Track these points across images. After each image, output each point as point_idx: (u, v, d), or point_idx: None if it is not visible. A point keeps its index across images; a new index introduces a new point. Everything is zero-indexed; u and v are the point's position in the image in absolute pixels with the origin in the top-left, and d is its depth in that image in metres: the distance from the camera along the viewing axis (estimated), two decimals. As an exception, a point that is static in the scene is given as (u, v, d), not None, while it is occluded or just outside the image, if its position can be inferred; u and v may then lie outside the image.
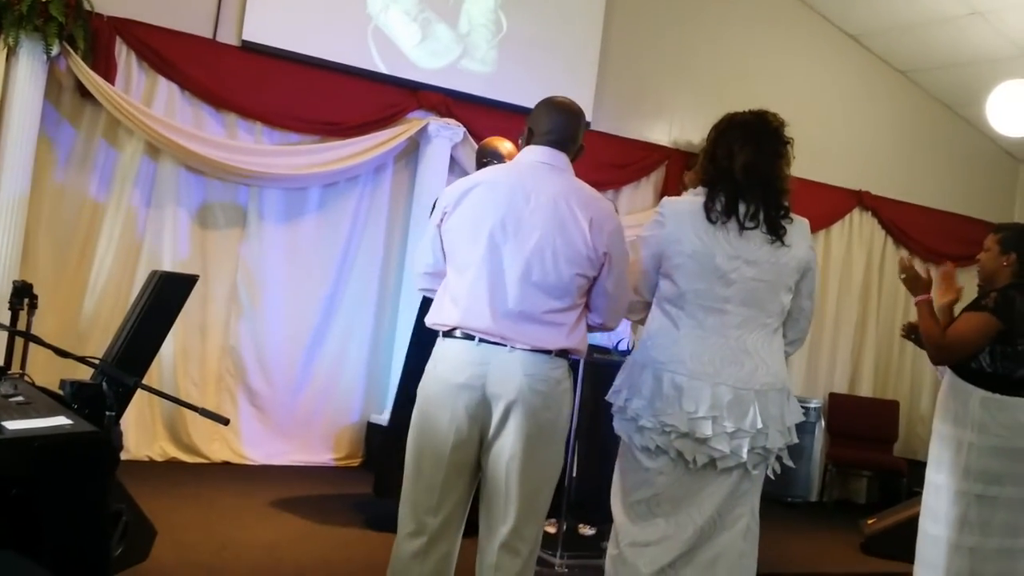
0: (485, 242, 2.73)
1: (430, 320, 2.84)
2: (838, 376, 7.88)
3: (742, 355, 2.81)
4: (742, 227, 2.81)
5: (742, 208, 2.81)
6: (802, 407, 7.19)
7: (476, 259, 2.74)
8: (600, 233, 2.74)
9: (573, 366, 2.98)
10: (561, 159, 2.84)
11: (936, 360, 3.84)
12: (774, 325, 2.89)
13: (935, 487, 3.79)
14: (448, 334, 2.78)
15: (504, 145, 4.53)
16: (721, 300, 2.80)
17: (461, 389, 2.72)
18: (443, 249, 2.84)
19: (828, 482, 7.52)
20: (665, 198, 3.03)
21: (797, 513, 6.97)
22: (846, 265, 7.95)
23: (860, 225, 8.03)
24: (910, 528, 4.64)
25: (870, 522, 5.90)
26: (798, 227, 2.91)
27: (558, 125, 2.86)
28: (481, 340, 2.71)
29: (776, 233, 2.83)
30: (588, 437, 4.63)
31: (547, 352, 2.73)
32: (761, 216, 2.83)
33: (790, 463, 2.95)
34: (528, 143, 2.89)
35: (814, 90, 7.70)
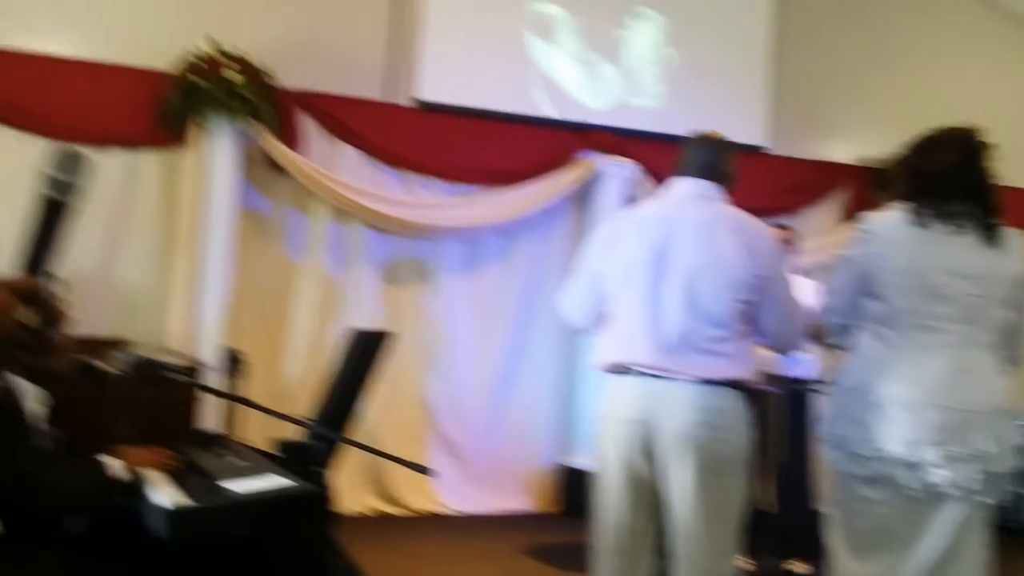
0: (640, 277, 2.73)
1: (596, 361, 2.87)
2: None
3: (962, 375, 2.64)
4: (953, 229, 2.66)
5: (951, 209, 2.68)
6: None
7: (633, 295, 2.75)
8: (756, 256, 2.69)
9: (754, 395, 2.87)
10: (710, 188, 2.83)
11: None
12: (991, 341, 2.71)
13: None
14: (614, 372, 2.79)
15: None
16: (936, 318, 2.65)
17: (630, 425, 2.71)
18: (593, 291, 2.88)
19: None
20: (867, 214, 2.91)
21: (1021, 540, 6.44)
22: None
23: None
24: None
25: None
26: (1010, 237, 2.74)
27: (703, 156, 2.87)
28: (645, 375, 2.70)
29: (989, 235, 2.67)
30: (792, 468, 4.45)
31: (714, 383, 2.67)
32: (973, 216, 2.68)
33: (1021, 488, 2.73)
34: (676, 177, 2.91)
35: (1009, 93, 7.22)
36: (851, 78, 6.98)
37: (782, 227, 5.19)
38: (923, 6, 7.22)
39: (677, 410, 2.66)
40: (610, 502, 2.79)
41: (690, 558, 2.70)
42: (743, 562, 4.57)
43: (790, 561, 4.60)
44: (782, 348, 2.87)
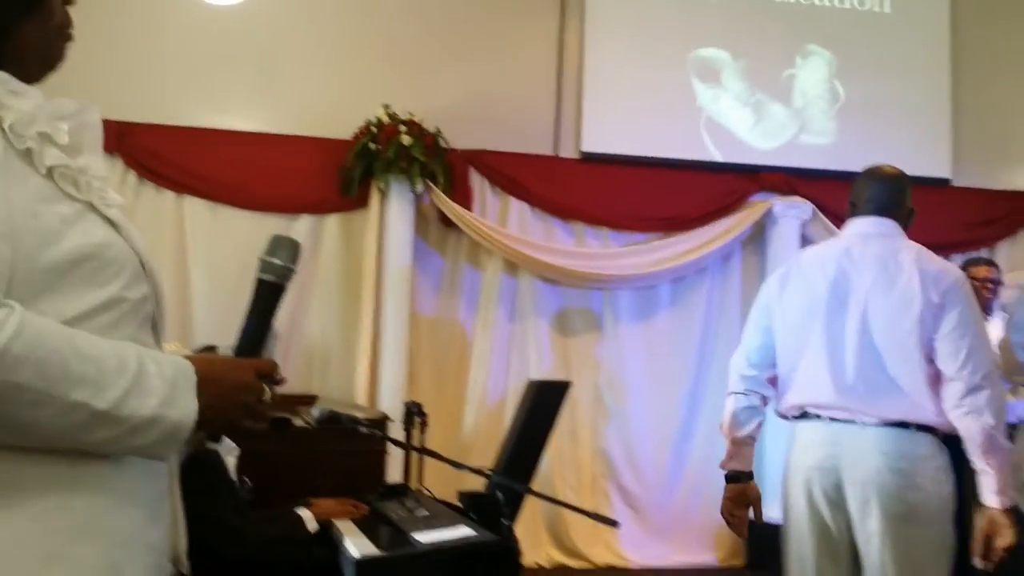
0: (818, 317, 2.62)
1: (778, 409, 2.75)
2: None
3: None
4: None
5: None
6: None
7: (811, 336, 2.63)
8: (934, 284, 2.53)
9: (956, 440, 2.63)
10: (888, 225, 2.69)
11: None
12: None
13: None
14: (797, 417, 2.68)
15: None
16: None
17: (814, 472, 2.59)
18: (765, 343, 2.76)
19: None
20: None
21: None
22: None
23: None
24: None
25: None
26: None
27: (878, 192, 2.73)
28: (828, 419, 2.57)
29: None
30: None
31: (904, 426, 2.50)
32: None
33: None
34: (851, 215, 2.78)
35: None
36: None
37: (987, 263, 4.89)
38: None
39: (861, 455, 2.52)
40: (800, 554, 2.66)
41: None
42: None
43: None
44: (969, 389, 2.50)
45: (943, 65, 6.49)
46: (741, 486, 2.83)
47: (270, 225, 5.50)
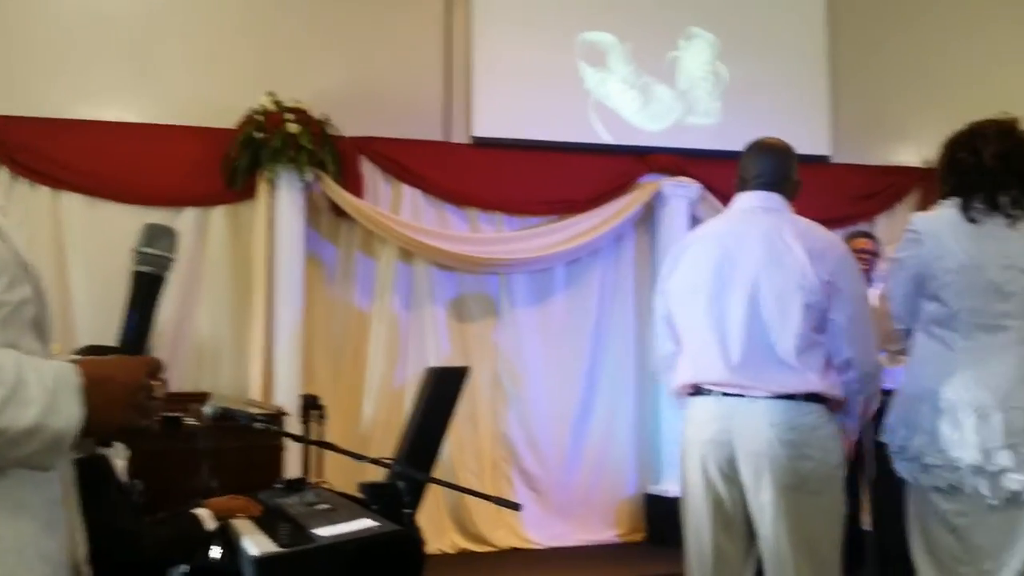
0: (706, 294, 2.67)
1: (673, 385, 2.80)
2: None
3: None
4: (1009, 219, 2.56)
5: (1004, 199, 2.57)
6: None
7: (700, 313, 2.68)
8: (821, 261, 2.59)
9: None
10: (774, 200, 2.75)
11: None
12: None
13: None
14: (690, 394, 2.72)
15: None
16: (1000, 316, 2.55)
17: (709, 446, 2.64)
18: (670, 321, 2.81)
19: None
20: (915, 215, 2.81)
21: None
22: None
23: None
24: None
25: None
26: None
27: (765, 167, 2.79)
28: (720, 394, 2.63)
29: None
30: (881, 484, 4.32)
31: (792, 397, 2.57)
32: None
33: None
34: (740, 190, 2.83)
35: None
36: (912, 79, 6.86)
37: (866, 235, 5.08)
38: (978, 3, 7.08)
39: (753, 428, 2.57)
40: (697, 528, 2.70)
41: None
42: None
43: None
44: (855, 362, 2.62)
45: (821, 45, 6.69)
46: None
47: (153, 220, 5.28)
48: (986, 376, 2.54)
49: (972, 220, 2.59)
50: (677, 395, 2.84)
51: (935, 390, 2.60)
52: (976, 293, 2.57)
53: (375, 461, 2.81)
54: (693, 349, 2.73)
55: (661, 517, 5.97)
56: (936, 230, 2.64)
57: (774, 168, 2.79)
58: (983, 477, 2.51)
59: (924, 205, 6.57)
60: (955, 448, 2.53)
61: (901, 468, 2.70)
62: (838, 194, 6.33)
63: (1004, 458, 2.48)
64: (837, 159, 6.49)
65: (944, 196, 2.71)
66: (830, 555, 2.63)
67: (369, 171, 5.92)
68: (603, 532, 6.13)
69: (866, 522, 4.47)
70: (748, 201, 2.79)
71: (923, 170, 6.66)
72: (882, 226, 6.60)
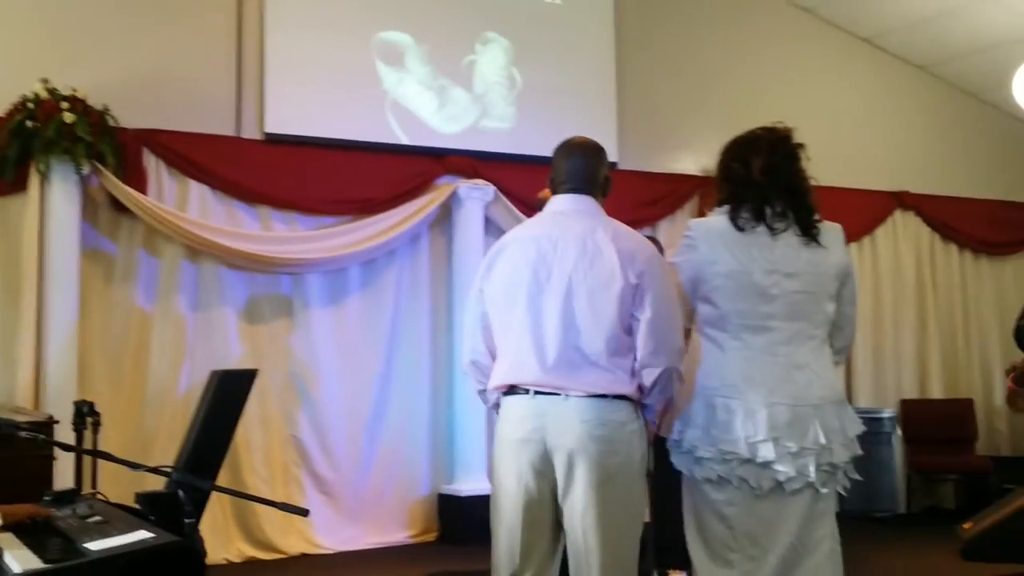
0: (523, 296, 2.71)
1: (489, 385, 2.82)
2: (906, 382, 7.69)
3: (794, 371, 2.72)
4: (772, 230, 2.73)
5: (769, 211, 2.74)
6: (875, 418, 7.07)
7: (518, 315, 2.72)
8: (631, 263, 2.68)
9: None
10: (585, 203, 2.81)
11: None
12: (821, 336, 2.80)
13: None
14: (506, 393, 2.75)
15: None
16: (765, 317, 2.72)
17: (522, 444, 2.68)
18: (485, 322, 2.82)
19: (913, 491, 7.31)
20: (692, 220, 2.97)
21: (886, 527, 6.76)
22: (896, 267, 7.81)
23: (904, 225, 7.91)
24: (1013, 525, 4.47)
25: (967, 526, 5.66)
26: (832, 232, 2.83)
27: (574, 169, 2.85)
28: (535, 393, 2.67)
29: (808, 233, 2.75)
30: (661, 476, 4.52)
31: (603, 396, 2.65)
32: (791, 217, 2.75)
33: (857, 476, 2.83)
34: (553, 192, 2.88)
35: (836, 98, 7.66)
36: (693, 92, 7.23)
37: (650, 240, 5.32)
38: (751, 17, 7.54)
39: (565, 425, 2.63)
40: (509, 525, 2.71)
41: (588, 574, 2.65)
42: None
43: (666, 570, 4.67)
44: (657, 362, 2.69)
45: (609, 55, 6.94)
46: None
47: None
48: (752, 373, 2.70)
49: (740, 229, 2.75)
50: (488, 395, 2.85)
51: (708, 386, 2.74)
52: (744, 296, 2.72)
53: (153, 470, 2.69)
54: (509, 350, 2.75)
55: (454, 516, 6.03)
56: (709, 236, 2.78)
57: (583, 170, 2.84)
58: (750, 468, 2.67)
59: (702, 211, 6.96)
60: (724, 442, 2.68)
61: (677, 461, 2.83)
62: (624, 200, 6.57)
63: (767, 451, 2.65)
64: (623, 166, 6.75)
65: (719, 203, 2.85)
66: (630, 548, 2.72)
67: (153, 165, 5.65)
68: (396, 533, 6.12)
69: (646, 514, 4.66)
70: (561, 204, 2.83)
71: (701, 178, 7.06)
72: (664, 231, 6.94)
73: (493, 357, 2.84)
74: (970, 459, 7.35)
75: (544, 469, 2.67)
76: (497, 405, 2.85)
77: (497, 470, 2.76)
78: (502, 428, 2.76)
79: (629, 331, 2.69)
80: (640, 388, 2.71)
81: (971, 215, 8.05)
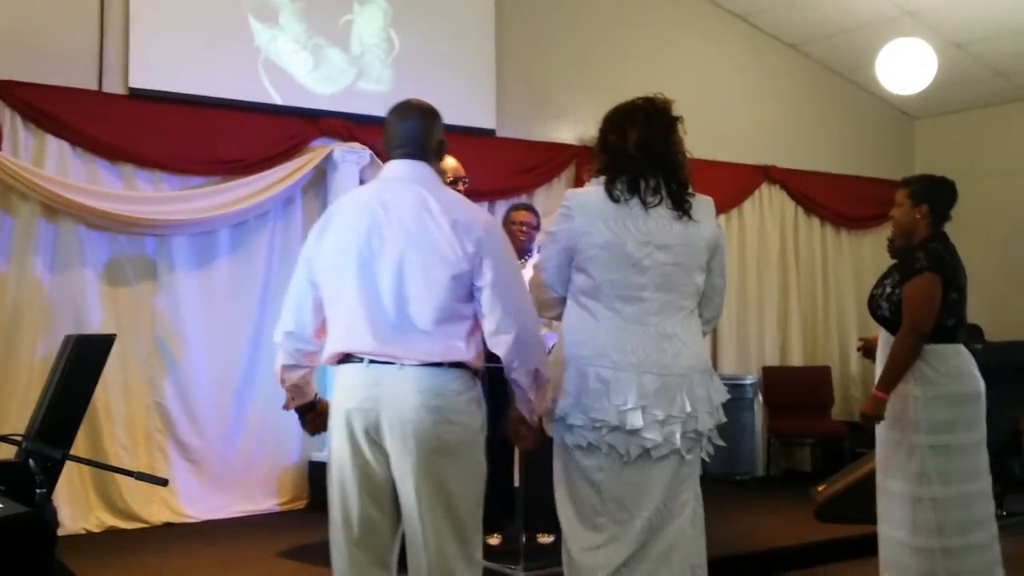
0: (355, 264, 2.65)
1: (323, 356, 2.76)
2: (768, 350, 7.98)
3: (664, 341, 2.78)
4: (645, 204, 2.78)
5: (643, 184, 2.79)
6: (738, 384, 7.34)
7: (350, 283, 2.66)
8: (466, 233, 2.64)
9: (491, 374, 2.90)
10: (419, 169, 2.76)
11: (919, 348, 3.73)
12: (691, 307, 2.88)
13: (890, 443, 3.81)
14: (340, 361, 2.71)
15: (446, 162, 4.29)
16: (637, 288, 2.78)
17: (355, 413, 2.63)
18: (314, 296, 2.76)
19: (773, 455, 7.63)
20: (569, 191, 3.00)
21: (746, 490, 7.04)
22: (761, 240, 8.06)
23: (770, 199, 8.16)
24: (862, 489, 4.71)
25: (820, 489, 5.96)
26: (703, 204, 2.90)
27: (406, 134, 2.78)
28: (368, 361, 2.63)
29: (681, 207, 2.82)
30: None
31: (438, 365, 2.63)
32: (664, 191, 2.81)
33: (721, 442, 2.94)
34: (388, 157, 2.83)
35: (710, 72, 7.81)
36: (570, 62, 7.27)
37: (526, 208, 5.37)
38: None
39: (400, 394, 2.59)
40: (344, 497, 2.67)
41: (432, 547, 2.61)
42: (491, 538, 4.67)
43: (535, 534, 4.74)
44: (508, 331, 2.65)
45: (488, 21, 6.89)
46: (314, 413, 2.91)
47: None
48: (623, 343, 2.75)
49: (615, 200, 2.78)
50: (295, 371, 2.81)
51: (580, 355, 2.78)
52: (617, 267, 2.77)
53: (1, 439, 2.57)
54: (342, 319, 2.69)
55: (324, 483, 5.94)
56: (585, 206, 2.81)
57: (416, 135, 2.78)
58: (619, 436, 2.72)
59: (579, 181, 7.03)
60: (595, 410, 2.73)
61: (548, 428, 2.86)
62: (502, 167, 6.60)
63: (636, 419, 2.71)
64: (501, 133, 6.75)
65: (596, 174, 2.89)
66: (470, 515, 2.69)
67: (8, 118, 5.34)
68: (265, 502, 6.02)
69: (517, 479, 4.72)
70: (395, 170, 2.78)
71: (578, 147, 7.12)
72: (541, 199, 6.97)
73: (314, 330, 2.78)
74: (826, 424, 7.70)
75: (379, 439, 2.63)
76: (296, 386, 2.84)
77: (331, 441, 2.71)
78: (336, 397, 2.71)
79: (463, 300, 2.66)
80: (477, 359, 2.69)
81: (833, 190, 8.37)
